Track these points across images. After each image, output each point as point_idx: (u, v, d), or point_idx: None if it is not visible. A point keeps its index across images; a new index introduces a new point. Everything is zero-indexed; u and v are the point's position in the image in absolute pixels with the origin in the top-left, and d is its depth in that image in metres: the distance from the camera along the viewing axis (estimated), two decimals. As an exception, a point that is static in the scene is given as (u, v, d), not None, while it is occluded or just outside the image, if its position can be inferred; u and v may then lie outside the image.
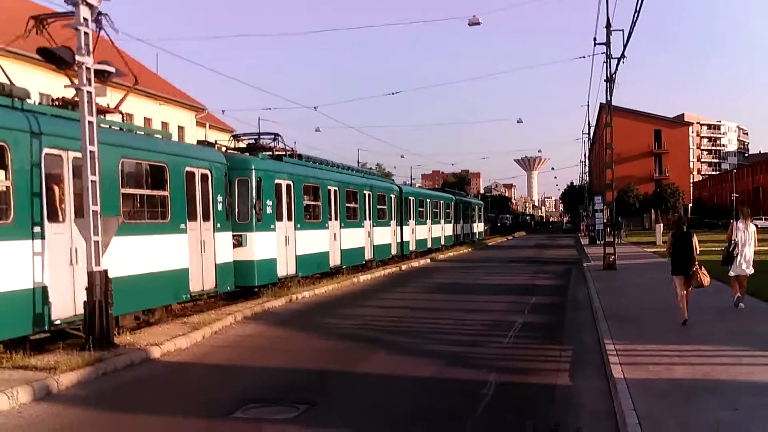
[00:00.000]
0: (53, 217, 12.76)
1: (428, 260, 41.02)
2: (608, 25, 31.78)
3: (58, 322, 12.70)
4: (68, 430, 8.75)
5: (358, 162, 35.25)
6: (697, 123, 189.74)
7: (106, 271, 12.60)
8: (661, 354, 11.53)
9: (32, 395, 9.82)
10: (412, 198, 40.75)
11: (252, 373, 11.97)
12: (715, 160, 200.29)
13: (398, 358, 12.76)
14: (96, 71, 12.96)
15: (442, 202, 50.90)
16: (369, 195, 32.46)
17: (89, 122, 12.57)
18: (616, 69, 32.06)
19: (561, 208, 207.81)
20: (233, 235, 19.87)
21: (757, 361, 10.88)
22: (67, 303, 12.93)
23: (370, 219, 32.49)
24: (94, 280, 12.38)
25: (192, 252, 17.31)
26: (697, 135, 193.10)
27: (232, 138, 26.47)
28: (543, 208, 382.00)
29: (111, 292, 12.62)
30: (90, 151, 12.51)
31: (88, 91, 12.66)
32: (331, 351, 13.67)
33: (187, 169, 17.39)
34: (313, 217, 25.76)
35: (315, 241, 25.48)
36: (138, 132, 18.20)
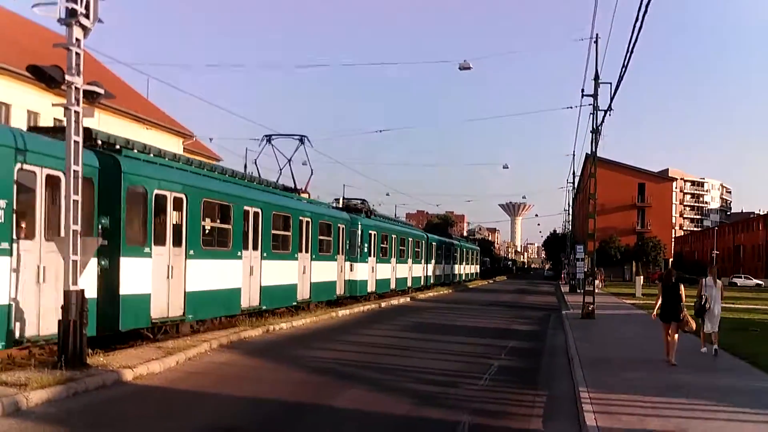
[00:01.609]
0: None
1: (408, 299, 40.97)
2: (596, 77, 32.20)
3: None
4: (34, 449, 8.63)
5: (343, 198, 34.78)
6: (681, 179, 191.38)
7: (82, 291, 12.51)
8: (635, 404, 11.52)
9: (1, 410, 9.70)
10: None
11: (224, 401, 11.86)
12: (698, 216, 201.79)
13: (372, 395, 12.68)
14: (85, 92, 12.98)
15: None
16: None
17: (75, 142, 12.57)
18: (603, 121, 32.44)
19: (543, 254, 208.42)
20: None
21: (732, 417, 10.90)
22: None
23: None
24: (70, 299, 12.30)
25: (338, 272, 31.60)
26: (681, 191, 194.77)
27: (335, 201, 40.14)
28: (525, 253, 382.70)
29: (86, 312, 12.54)
30: (74, 171, 12.48)
31: (75, 111, 12.69)
32: (306, 384, 13.58)
33: (339, 225, 31.38)
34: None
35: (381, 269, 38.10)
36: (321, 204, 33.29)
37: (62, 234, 12.77)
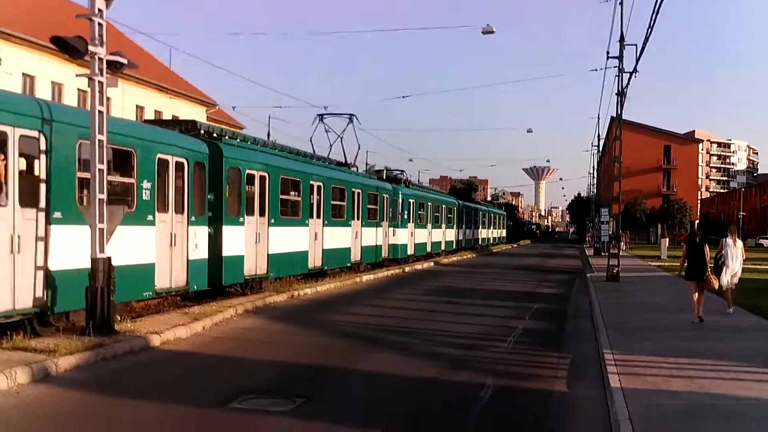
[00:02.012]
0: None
1: (432, 263, 41.03)
2: (621, 39, 31.79)
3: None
4: (64, 412, 8.79)
5: (366, 164, 36.16)
6: (708, 140, 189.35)
7: (109, 258, 12.64)
8: (660, 366, 11.51)
9: (30, 376, 9.86)
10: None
11: (250, 366, 12.00)
12: (724, 178, 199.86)
13: (398, 358, 12.76)
14: (108, 62, 13.01)
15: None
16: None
17: (99, 112, 12.63)
18: (628, 83, 32.04)
19: (567, 218, 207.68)
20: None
21: (755, 377, 10.85)
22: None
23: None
24: (97, 267, 12.43)
25: (383, 237, 34.65)
26: (707, 152, 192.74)
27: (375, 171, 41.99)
28: (549, 217, 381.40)
29: (113, 279, 12.67)
30: (99, 140, 12.55)
31: (99, 81, 12.73)
32: (331, 348, 13.69)
33: (384, 194, 34.85)
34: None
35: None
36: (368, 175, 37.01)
37: (171, 209, 16.35)
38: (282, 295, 20.28)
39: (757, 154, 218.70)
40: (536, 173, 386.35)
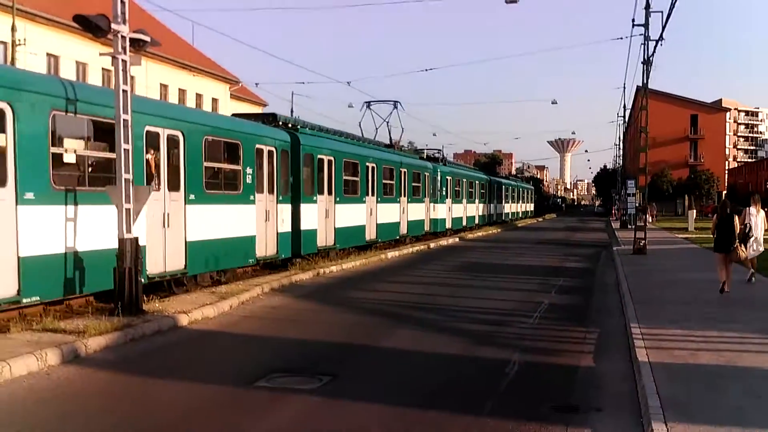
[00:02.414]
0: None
1: (456, 239, 41.03)
2: (647, 6, 31.44)
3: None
4: (95, 393, 8.91)
5: (390, 139, 36.63)
6: (735, 109, 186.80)
7: (136, 239, 12.74)
8: (687, 339, 11.47)
9: (61, 358, 10.00)
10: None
11: (277, 344, 12.09)
12: (752, 147, 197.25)
13: (423, 335, 12.81)
14: (131, 40, 13.03)
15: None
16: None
17: (123, 91, 12.67)
18: (654, 51, 31.73)
19: (593, 191, 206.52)
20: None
21: (785, 350, 10.79)
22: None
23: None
24: (124, 247, 12.53)
25: (425, 212, 37.56)
26: (734, 121, 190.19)
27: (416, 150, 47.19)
28: (575, 190, 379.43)
29: (140, 260, 12.77)
30: (123, 120, 12.61)
31: (123, 60, 12.76)
32: (357, 325, 13.75)
33: (425, 173, 37.96)
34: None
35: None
36: (411, 156, 39.84)
37: (265, 190, 20.03)
38: (308, 272, 20.38)
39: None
40: (561, 145, 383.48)
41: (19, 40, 30.77)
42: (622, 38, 48.53)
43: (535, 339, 12.58)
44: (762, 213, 19.25)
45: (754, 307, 14.96)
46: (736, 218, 17.17)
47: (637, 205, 37.68)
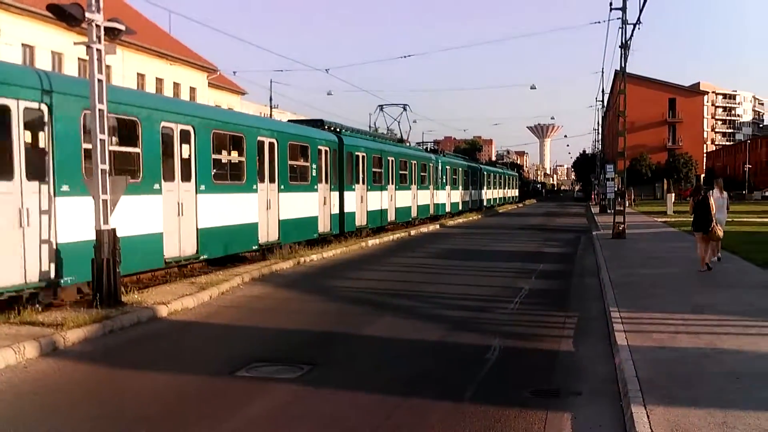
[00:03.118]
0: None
1: (437, 226, 41.07)
2: (624, -10, 31.43)
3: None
4: (74, 385, 8.85)
5: (369, 126, 38.38)
6: (713, 92, 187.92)
7: (114, 230, 12.64)
8: (666, 323, 11.54)
9: (39, 350, 9.93)
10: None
11: (257, 334, 12.05)
12: (730, 131, 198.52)
13: (403, 322, 12.81)
14: (106, 29, 12.89)
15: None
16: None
17: (98, 80, 12.55)
18: (632, 35, 31.84)
19: (573, 176, 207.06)
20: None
21: (762, 332, 10.88)
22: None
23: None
24: (102, 239, 12.43)
25: (430, 198, 43.66)
26: (712, 104, 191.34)
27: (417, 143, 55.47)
28: (555, 176, 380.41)
29: (119, 251, 12.67)
30: (99, 110, 12.49)
31: (97, 49, 12.63)
32: (337, 313, 13.74)
33: (430, 164, 43.76)
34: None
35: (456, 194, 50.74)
36: (418, 149, 47.22)
37: (323, 181, 26.11)
38: (288, 261, 20.32)
39: (762, 104, 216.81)
40: (541, 131, 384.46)
41: (-7, 31, 30.45)
42: (599, 22, 48.67)
43: (516, 324, 12.63)
44: (725, 194, 20.26)
45: (732, 289, 15.09)
46: (711, 200, 18.02)
47: (616, 189, 37.78)
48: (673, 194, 57.88)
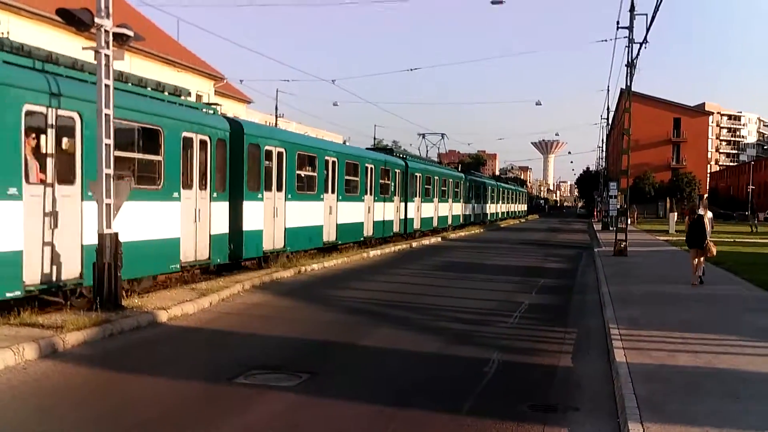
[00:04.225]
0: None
1: (439, 239, 41.08)
2: (632, 8, 31.59)
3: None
4: (72, 388, 8.86)
5: (374, 138, 40.37)
6: (718, 113, 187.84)
7: (116, 234, 12.66)
8: (665, 341, 11.55)
9: (38, 352, 9.94)
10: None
11: (256, 341, 12.05)
12: (734, 151, 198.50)
13: (403, 333, 12.82)
14: (115, 34, 12.95)
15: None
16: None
17: (106, 85, 12.60)
18: (638, 54, 32.06)
19: (576, 192, 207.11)
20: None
21: (760, 352, 10.89)
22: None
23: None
24: (104, 242, 12.45)
25: (453, 209, 50.10)
26: (717, 125, 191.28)
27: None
28: (558, 192, 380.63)
29: (120, 255, 12.69)
30: (105, 114, 12.54)
31: (105, 54, 12.68)
32: (336, 323, 13.74)
33: (458, 181, 52.26)
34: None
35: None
36: (448, 168, 57.02)
37: (395, 195, 34.18)
38: (289, 270, 20.33)
39: (767, 126, 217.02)
40: (545, 147, 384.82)
41: (2, 33, 30.56)
42: (606, 40, 48.48)
43: (515, 338, 12.62)
44: (709, 214, 20.90)
45: (732, 308, 15.09)
46: (706, 219, 19.47)
47: (619, 207, 37.79)
48: (676, 213, 57.81)
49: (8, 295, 11.59)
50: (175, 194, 16.18)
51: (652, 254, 30.94)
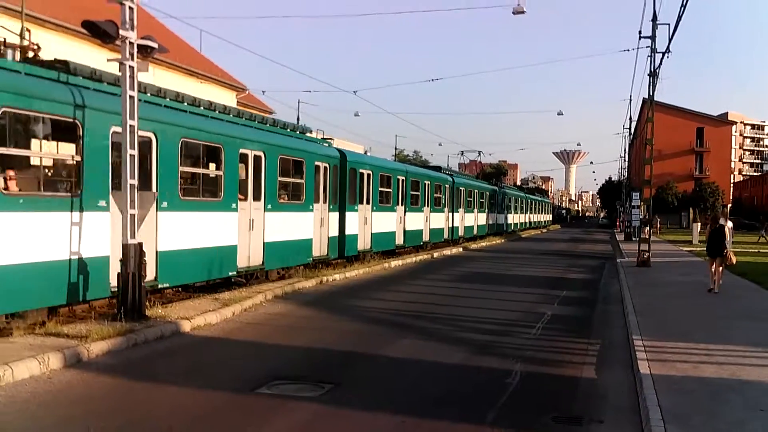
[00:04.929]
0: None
1: (460, 249, 41.04)
2: (654, 18, 31.42)
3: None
4: (96, 397, 8.92)
5: (395, 148, 40.97)
6: (741, 122, 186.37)
7: (140, 244, 12.76)
8: (689, 352, 11.48)
9: (63, 362, 10.02)
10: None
11: (279, 351, 12.09)
12: (758, 161, 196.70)
13: (425, 344, 12.81)
14: (139, 46, 13.08)
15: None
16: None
17: (130, 96, 12.72)
18: (660, 63, 31.74)
19: (598, 203, 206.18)
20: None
21: (787, 364, 10.78)
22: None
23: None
24: (129, 253, 12.55)
25: (485, 219, 54.88)
26: (740, 134, 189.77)
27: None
28: (580, 202, 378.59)
29: (144, 265, 12.79)
30: (130, 126, 12.65)
31: (130, 66, 12.81)
32: (359, 333, 13.75)
33: (485, 192, 54.66)
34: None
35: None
36: (475, 178, 62.64)
37: (445, 207, 40.46)
38: (311, 280, 20.38)
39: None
40: (566, 157, 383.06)
41: (29, 44, 30.86)
42: (628, 50, 48.37)
43: (538, 350, 12.58)
44: (729, 224, 21.15)
45: (757, 321, 14.96)
46: (726, 228, 20.07)
47: (642, 217, 37.57)
48: (699, 223, 57.37)
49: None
50: (311, 206, 22.18)
51: (676, 265, 30.72)
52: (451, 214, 41.92)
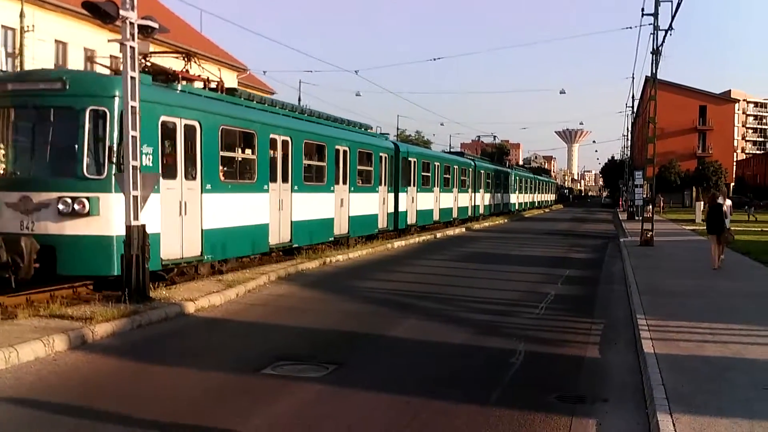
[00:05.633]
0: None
1: (463, 229, 41.04)
2: (656, -5, 31.21)
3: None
4: (102, 379, 8.95)
5: (397, 128, 40.40)
6: (744, 100, 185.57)
7: (144, 226, 12.74)
8: (693, 331, 11.48)
9: (68, 344, 10.05)
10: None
11: (283, 332, 12.11)
12: (761, 139, 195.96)
13: (428, 324, 12.82)
14: (139, 26, 13.00)
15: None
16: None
17: (131, 77, 12.65)
18: (663, 41, 31.65)
19: (600, 182, 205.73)
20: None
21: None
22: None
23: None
24: (132, 234, 12.53)
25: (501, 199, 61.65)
26: (743, 112, 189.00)
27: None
28: (582, 181, 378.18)
29: (148, 247, 12.77)
30: (132, 107, 12.60)
31: (131, 47, 12.74)
32: (362, 314, 13.77)
33: (501, 175, 62.01)
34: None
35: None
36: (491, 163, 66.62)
37: (469, 188, 47.17)
38: (314, 261, 20.40)
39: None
40: (569, 136, 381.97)
41: (28, 27, 30.81)
42: (631, 28, 48.06)
43: (541, 329, 12.59)
44: (728, 202, 21.98)
45: (760, 299, 14.96)
46: (725, 207, 20.59)
47: (645, 196, 37.49)
48: (702, 202, 57.29)
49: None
50: (378, 188, 28.39)
51: (679, 244, 30.74)
52: (473, 194, 47.38)
